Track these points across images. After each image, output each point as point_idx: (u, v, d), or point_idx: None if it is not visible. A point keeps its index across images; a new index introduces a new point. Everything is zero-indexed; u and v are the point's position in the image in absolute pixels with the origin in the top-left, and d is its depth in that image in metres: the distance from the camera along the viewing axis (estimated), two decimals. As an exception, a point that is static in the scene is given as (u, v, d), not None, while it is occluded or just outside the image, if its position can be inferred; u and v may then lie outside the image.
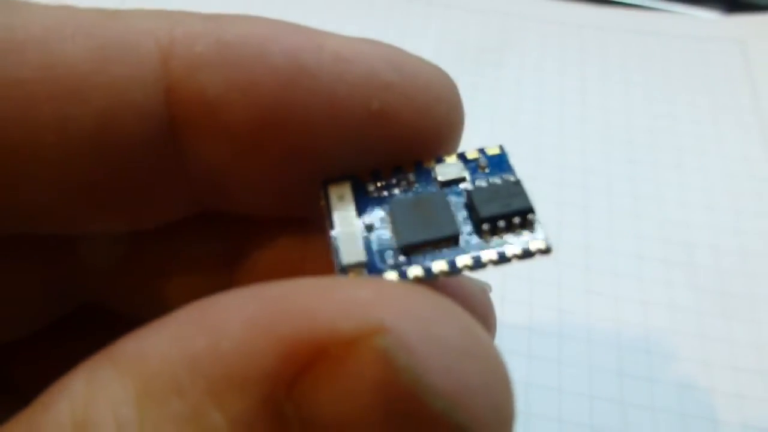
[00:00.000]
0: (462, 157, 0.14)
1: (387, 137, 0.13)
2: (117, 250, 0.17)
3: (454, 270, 0.12)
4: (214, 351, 0.10)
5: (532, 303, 0.34)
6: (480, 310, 0.16)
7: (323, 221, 0.13)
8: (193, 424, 0.10)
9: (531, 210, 0.13)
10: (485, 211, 0.13)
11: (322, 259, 0.14)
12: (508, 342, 0.32)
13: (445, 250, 0.12)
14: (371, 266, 0.12)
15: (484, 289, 0.16)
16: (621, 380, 0.31)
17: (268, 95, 0.12)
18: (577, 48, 0.45)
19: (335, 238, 0.13)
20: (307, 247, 0.16)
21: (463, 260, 0.12)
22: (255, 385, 0.10)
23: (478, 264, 0.12)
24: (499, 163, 0.14)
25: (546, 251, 0.13)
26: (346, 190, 0.13)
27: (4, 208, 0.13)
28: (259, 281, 0.15)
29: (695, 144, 0.41)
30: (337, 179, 0.14)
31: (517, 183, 0.13)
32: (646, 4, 0.48)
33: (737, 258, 0.36)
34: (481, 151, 0.14)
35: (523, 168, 0.39)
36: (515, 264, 0.13)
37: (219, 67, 0.12)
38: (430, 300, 0.10)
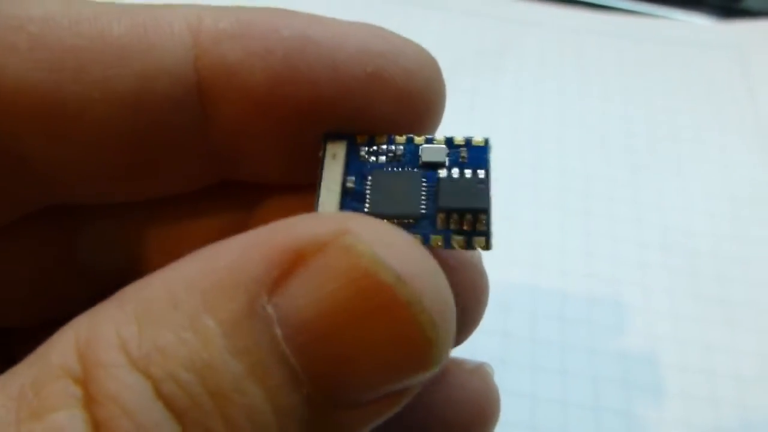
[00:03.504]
0: (449, 141, 0.16)
1: (381, 97, 0.15)
2: (132, 226, 0.18)
3: None
4: (209, 270, 0.12)
5: (535, 312, 0.33)
6: (471, 273, 0.18)
7: (318, 170, 0.15)
8: (189, 330, 0.11)
9: (484, 211, 0.14)
10: (444, 202, 0.15)
11: None
12: (510, 353, 0.32)
13: (404, 226, 0.15)
14: None
15: (477, 256, 0.18)
16: (625, 391, 0.31)
17: (280, 60, 0.15)
18: (576, 53, 0.45)
19: (319, 191, 0.15)
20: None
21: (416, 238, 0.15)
22: (241, 291, 0.11)
23: (426, 243, 0.15)
24: (478, 156, 0.15)
25: (485, 248, 0.15)
26: (341, 149, 0.15)
27: (51, 167, 0.15)
28: None
29: (695, 150, 0.40)
30: (338, 134, 0.16)
31: (482, 181, 0.15)
32: (644, 10, 0.48)
33: (739, 266, 0.35)
34: (467, 140, 0.16)
35: (522, 173, 0.39)
36: (459, 251, 0.15)
37: (239, 39, 0.15)
38: (384, 222, 0.13)
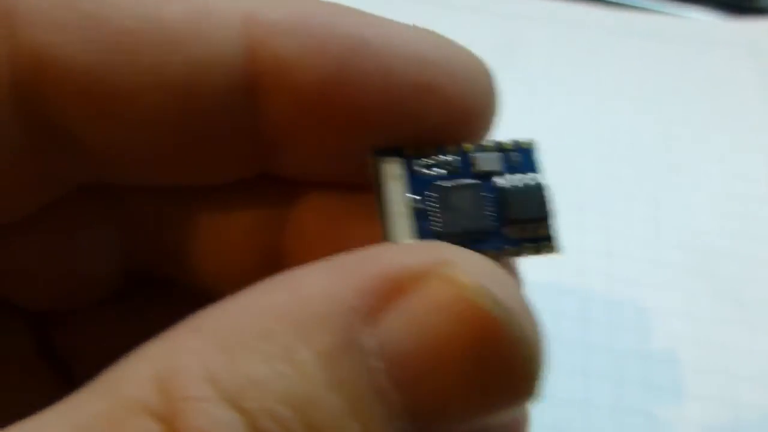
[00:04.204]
0: (498, 146, 0.16)
1: (431, 107, 0.15)
2: (168, 211, 0.18)
3: None
4: (298, 298, 0.11)
5: (557, 312, 0.33)
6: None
7: (372, 189, 0.15)
8: (284, 361, 0.11)
9: (548, 217, 0.15)
10: (514, 214, 0.15)
11: (368, 224, 0.16)
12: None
13: (474, 241, 0.15)
14: None
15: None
16: (646, 391, 0.31)
17: (332, 60, 0.14)
18: (586, 50, 0.44)
19: (386, 215, 0.15)
20: (354, 213, 0.17)
21: (488, 252, 0.14)
22: (337, 321, 0.11)
23: (499, 256, 0.15)
24: (529, 159, 0.16)
25: (554, 252, 0.15)
26: (398, 168, 0.15)
27: (97, 144, 0.15)
28: (307, 246, 0.17)
29: (709, 148, 0.40)
30: (387, 151, 0.15)
31: (541, 188, 0.15)
32: (655, 7, 0.48)
33: (757, 266, 0.35)
34: (515, 142, 0.16)
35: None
36: (529, 258, 0.15)
37: (293, 33, 0.14)
38: (477, 254, 0.13)
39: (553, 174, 0.37)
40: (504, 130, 0.42)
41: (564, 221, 0.35)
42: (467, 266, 0.12)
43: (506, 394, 0.12)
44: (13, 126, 0.14)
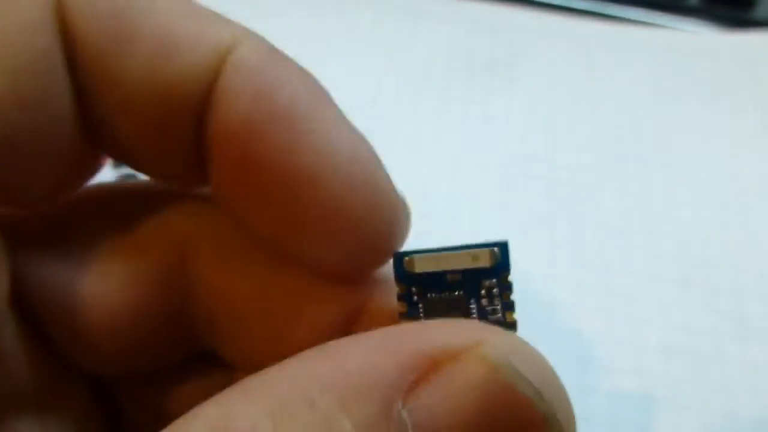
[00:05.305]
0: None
1: (334, 215, 0.15)
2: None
3: None
4: (341, 371, 0.12)
5: (552, 327, 0.33)
6: None
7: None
8: (325, 430, 0.11)
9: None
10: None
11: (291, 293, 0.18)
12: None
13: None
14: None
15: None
16: (643, 406, 0.31)
17: (263, 132, 0.15)
18: (587, 64, 0.45)
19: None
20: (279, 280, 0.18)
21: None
22: (377, 394, 0.12)
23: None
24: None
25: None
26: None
27: (113, 133, 0.16)
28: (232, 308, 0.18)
29: (707, 162, 0.40)
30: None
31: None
32: (654, 20, 0.48)
33: (754, 279, 0.35)
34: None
35: (535, 187, 0.38)
36: None
37: (246, 88, 0.15)
38: (516, 335, 0.14)
39: (550, 186, 0.37)
40: (504, 143, 0.42)
41: (562, 236, 0.36)
42: (501, 346, 0.12)
43: None
44: (69, 98, 0.15)
